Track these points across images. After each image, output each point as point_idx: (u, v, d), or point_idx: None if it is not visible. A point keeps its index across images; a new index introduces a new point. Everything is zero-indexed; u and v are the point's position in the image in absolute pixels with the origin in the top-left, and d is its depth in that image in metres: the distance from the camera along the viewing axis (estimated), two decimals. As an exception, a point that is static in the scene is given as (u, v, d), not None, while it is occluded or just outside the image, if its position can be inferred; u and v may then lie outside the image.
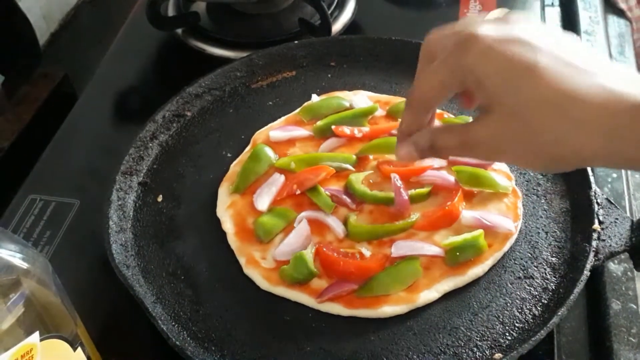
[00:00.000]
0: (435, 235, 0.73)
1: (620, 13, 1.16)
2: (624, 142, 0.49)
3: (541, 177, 0.80)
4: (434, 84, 0.56)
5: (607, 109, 0.48)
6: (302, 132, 0.85)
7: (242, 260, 0.73)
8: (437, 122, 0.63)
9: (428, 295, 0.69)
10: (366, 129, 0.84)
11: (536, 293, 0.69)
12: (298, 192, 0.77)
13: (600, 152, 0.50)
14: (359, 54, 0.96)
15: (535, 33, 0.52)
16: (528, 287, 0.70)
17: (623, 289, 0.74)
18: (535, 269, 0.72)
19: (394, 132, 0.83)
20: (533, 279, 0.71)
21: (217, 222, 0.77)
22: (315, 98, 0.89)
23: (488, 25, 0.54)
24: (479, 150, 0.56)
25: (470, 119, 0.84)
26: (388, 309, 0.68)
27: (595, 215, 0.73)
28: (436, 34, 0.58)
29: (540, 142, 0.52)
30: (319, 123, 0.85)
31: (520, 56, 0.51)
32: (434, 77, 0.56)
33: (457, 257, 0.71)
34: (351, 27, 1.06)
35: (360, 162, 0.81)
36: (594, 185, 0.75)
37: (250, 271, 0.71)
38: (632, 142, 0.48)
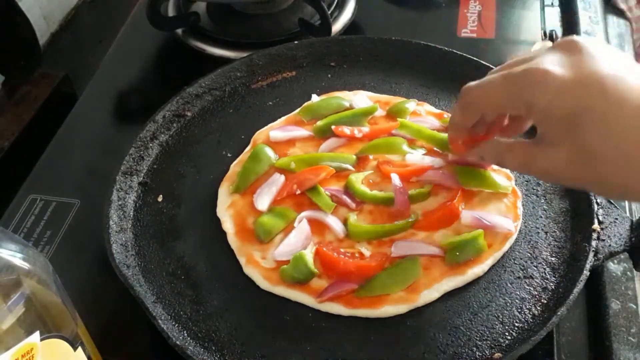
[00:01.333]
0: (435, 235, 0.73)
1: (620, 13, 1.16)
2: None
3: (541, 177, 0.81)
4: (492, 100, 0.60)
5: None
6: (302, 132, 0.85)
7: (242, 260, 0.73)
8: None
9: (428, 295, 0.69)
10: (366, 129, 0.84)
11: (536, 293, 0.69)
12: (298, 192, 0.77)
13: None
14: (359, 54, 0.96)
15: (606, 70, 0.54)
16: (528, 287, 0.70)
17: (622, 288, 0.74)
18: (535, 268, 0.72)
19: (394, 132, 0.83)
20: (533, 278, 0.71)
21: (217, 222, 0.77)
22: (315, 98, 0.89)
23: (556, 59, 0.56)
24: (541, 176, 0.63)
25: None
26: (388, 309, 0.68)
27: (595, 215, 0.73)
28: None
29: (604, 179, 0.55)
30: (319, 123, 0.85)
31: (592, 102, 0.53)
32: (494, 94, 0.60)
33: (456, 257, 0.71)
34: (351, 27, 1.06)
35: (360, 162, 0.81)
36: (593, 185, 0.76)
37: (250, 271, 0.71)
38: None
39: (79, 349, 0.53)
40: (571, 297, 0.66)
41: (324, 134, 0.84)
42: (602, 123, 0.53)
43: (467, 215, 0.74)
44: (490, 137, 0.68)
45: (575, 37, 0.58)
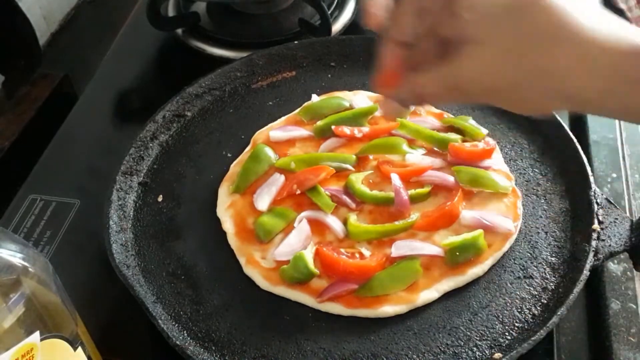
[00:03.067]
0: (435, 235, 0.73)
1: (620, 13, 1.16)
2: (623, 85, 0.47)
3: (541, 177, 0.81)
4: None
5: (611, 50, 0.47)
6: (302, 132, 0.85)
7: (242, 260, 0.73)
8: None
9: (428, 295, 0.69)
10: (366, 129, 0.84)
11: (536, 293, 0.69)
12: (298, 192, 0.77)
13: (598, 95, 0.48)
14: (359, 54, 0.96)
15: None
16: (528, 287, 0.70)
17: (622, 288, 0.74)
18: (535, 268, 0.72)
19: (394, 132, 0.83)
20: (533, 278, 0.71)
21: (217, 222, 0.77)
22: (315, 98, 0.89)
23: None
24: (468, 90, 0.52)
25: (471, 119, 0.84)
26: (388, 309, 0.68)
27: (595, 215, 0.73)
28: None
29: (539, 78, 0.49)
30: (319, 123, 0.85)
31: None
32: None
33: (456, 257, 0.71)
34: (351, 27, 1.06)
35: (360, 162, 0.81)
36: (593, 185, 0.76)
37: (250, 271, 0.71)
38: (630, 85, 0.47)
39: (79, 349, 0.53)
40: (571, 297, 0.66)
41: (324, 134, 0.84)
42: (535, 13, 0.48)
43: (467, 215, 0.74)
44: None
45: None
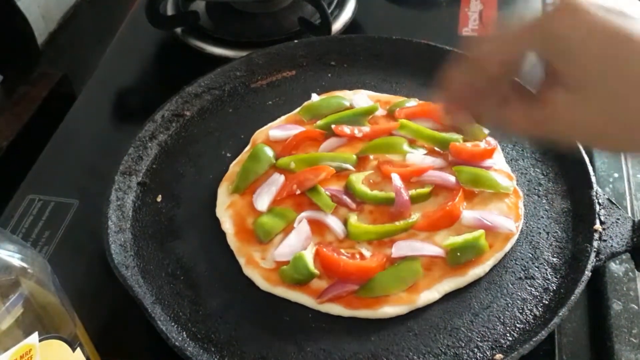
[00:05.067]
0: (436, 236, 0.73)
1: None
2: None
3: (542, 177, 0.80)
4: (512, 47, 0.51)
5: None
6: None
7: (241, 261, 0.72)
8: None
9: (428, 295, 0.69)
10: (366, 128, 0.83)
11: (537, 293, 0.69)
12: (298, 192, 0.77)
13: None
14: (359, 53, 0.95)
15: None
16: (529, 288, 0.70)
17: (624, 289, 0.74)
18: (537, 269, 0.71)
19: (395, 132, 0.83)
20: (534, 279, 0.70)
21: (217, 222, 0.76)
22: (315, 97, 0.89)
23: None
24: (560, 132, 0.51)
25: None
26: (388, 310, 0.67)
27: (597, 216, 0.73)
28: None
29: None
30: (319, 123, 0.85)
31: (627, 30, 0.46)
32: (515, 41, 0.51)
33: (457, 258, 0.70)
34: (351, 26, 1.06)
35: (360, 162, 0.80)
36: (595, 186, 0.75)
37: (249, 271, 0.71)
38: None
39: (78, 349, 0.53)
40: (573, 297, 0.66)
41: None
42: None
43: (468, 215, 0.73)
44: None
45: None
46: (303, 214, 0.75)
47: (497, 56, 0.53)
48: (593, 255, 0.70)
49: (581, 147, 0.78)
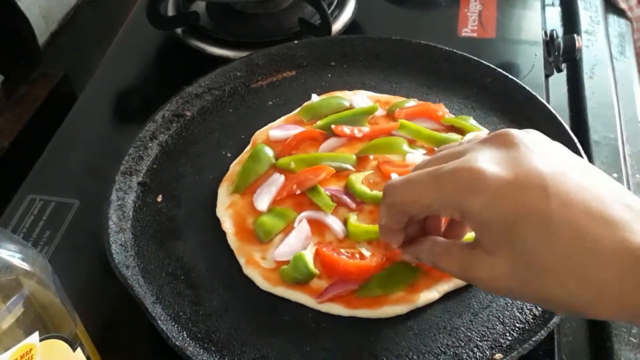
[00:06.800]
0: (436, 236, 0.73)
1: (621, 13, 1.16)
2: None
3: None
4: (418, 203, 0.53)
5: (627, 268, 0.44)
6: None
7: (241, 261, 0.72)
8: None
9: (428, 295, 0.69)
10: (366, 128, 0.84)
11: (537, 293, 0.69)
12: (298, 192, 0.77)
13: (615, 310, 0.46)
14: (359, 53, 0.95)
15: (547, 167, 0.48)
16: (528, 288, 0.70)
17: (624, 289, 0.74)
18: (536, 269, 0.71)
19: (394, 132, 0.83)
20: (533, 279, 0.70)
21: (217, 222, 0.76)
22: (315, 98, 0.89)
23: (490, 155, 0.49)
24: (481, 286, 0.53)
25: (472, 119, 0.84)
26: (388, 309, 0.67)
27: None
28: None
29: (551, 295, 0.48)
30: (319, 123, 0.85)
31: (533, 205, 0.46)
32: (421, 196, 0.52)
33: (457, 258, 0.70)
34: (351, 26, 1.06)
35: (360, 162, 0.80)
36: (594, 185, 0.75)
37: (250, 271, 0.71)
38: None
39: (78, 349, 0.53)
40: (572, 297, 0.66)
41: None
42: (545, 229, 0.46)
43: (467, 215, 0.73)
44: (426, 235, 0.60)
45: (511, 130, 0.51)
46: (303, 214, 0.75)
47: (409, 214, 0.56)
48: (592, 255, 0.69)
49: (580, 148, 0.79)
